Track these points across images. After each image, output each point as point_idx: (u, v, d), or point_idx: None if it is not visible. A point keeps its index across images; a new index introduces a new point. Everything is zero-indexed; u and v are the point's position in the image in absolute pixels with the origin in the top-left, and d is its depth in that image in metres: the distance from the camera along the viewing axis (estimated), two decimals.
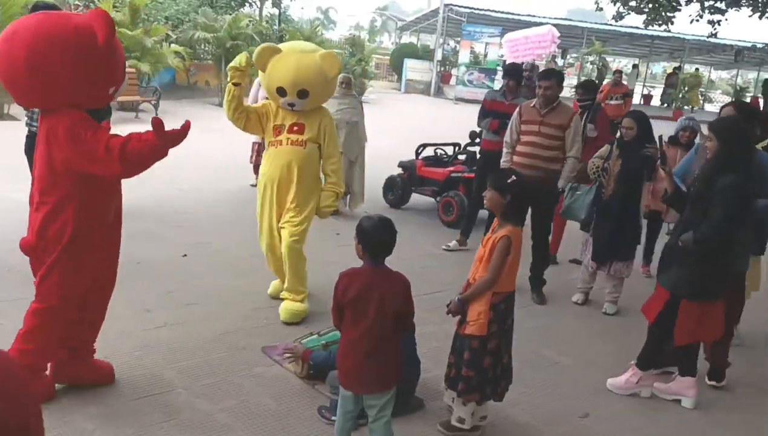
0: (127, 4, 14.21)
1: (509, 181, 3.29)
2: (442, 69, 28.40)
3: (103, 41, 3.01)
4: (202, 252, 5.97)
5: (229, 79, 4.64)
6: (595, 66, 27.38)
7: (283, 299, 4.78)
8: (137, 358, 3.97)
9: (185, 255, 5.84)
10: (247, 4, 21.37)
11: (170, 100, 16.00)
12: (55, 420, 3.24)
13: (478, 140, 7.46)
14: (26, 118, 5.46)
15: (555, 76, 5.37)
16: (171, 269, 5.47)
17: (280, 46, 4.76)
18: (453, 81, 27.67)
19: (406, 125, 17.25)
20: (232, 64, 4.59)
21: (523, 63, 11.60)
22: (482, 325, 3.27)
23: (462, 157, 8.24)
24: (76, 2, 17.25)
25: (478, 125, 6.83)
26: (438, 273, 6.02)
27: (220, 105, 16.54)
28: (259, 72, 4.72)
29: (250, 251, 5.89)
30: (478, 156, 7.25)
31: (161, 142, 3.04)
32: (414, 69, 28.04)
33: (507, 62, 16.10)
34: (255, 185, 8.43)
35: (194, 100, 17.24)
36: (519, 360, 4.41)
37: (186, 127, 3.10)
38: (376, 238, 2.87)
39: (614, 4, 14.90)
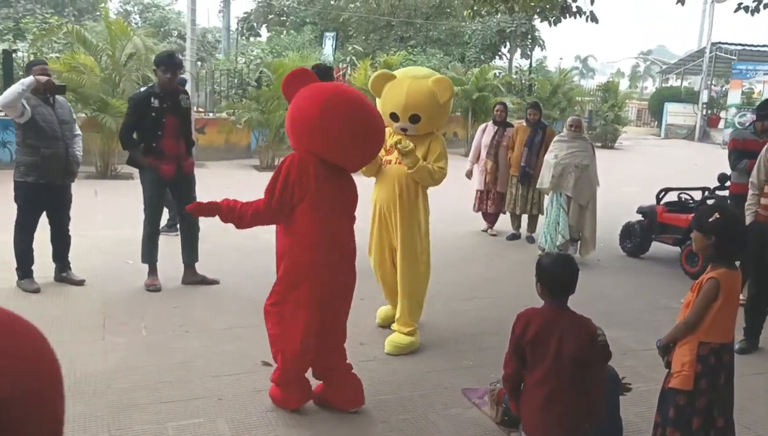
0: (382, 64, 15.33)
1: (710, 220, 2.91)
2: (709, 112, 26.16)
3: None
4: None
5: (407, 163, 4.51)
6: None
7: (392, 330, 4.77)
8: None
9: None
10: (497, 57, 21.81)
11: None
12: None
13: (728, 184, 6.73)
14: None
15: None
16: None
17: (396, 72, 4.82)
18: (721, 124, 25.32)
19: (657, 171, 16.10)
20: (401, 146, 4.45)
21: None
22: (687, 378, 2.90)
23: (710, 202, 7.46)
24: (343, 65, 19.12)
25: (732, 168, 6.20)
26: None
27: (466, 155, 16.98)
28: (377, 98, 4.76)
29: (467, 293, 5.90)
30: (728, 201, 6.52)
31: None
32: (675, 113, 26.27)
33: None
34: (485, 230, 8.52)
35: None
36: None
37: None
38: (553, 275, 2.71)
39: None
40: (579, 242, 7.31)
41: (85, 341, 4.58)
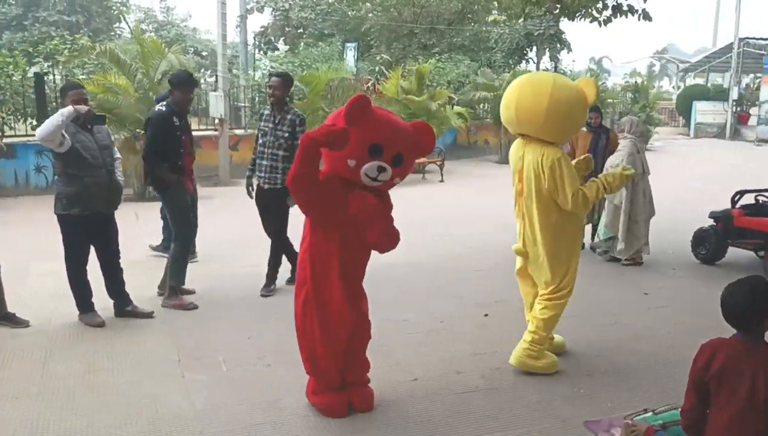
0: (415, 72, 15.01)
1: None
2: (739, 109, 25.67)
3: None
4: (501, 311, 5.73)
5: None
6: None
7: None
8: (447, 424, 3.80)
9: (487, 315, 5.66)
10: (524, 62, 21.44)
11: (451, 160, 16.46)
12: None
13: None
14: None
15: None
16: (473, 329, 5.32)
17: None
18: (753, 121, 24.83)
19: (699, 172, 15.74)
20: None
21: None
22: None
23: None
24: (367, 76, 18.80)
25: None
26: None
27: (499, 162, 16.64)
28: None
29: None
30: None
31: None
32: (705, 111, 25.84)
33: None
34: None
35: (474, 158, 17.58)
36: None
37: None
38: (730, 304, 2.34)
39: None
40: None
41: (163, 379, 4.27)
